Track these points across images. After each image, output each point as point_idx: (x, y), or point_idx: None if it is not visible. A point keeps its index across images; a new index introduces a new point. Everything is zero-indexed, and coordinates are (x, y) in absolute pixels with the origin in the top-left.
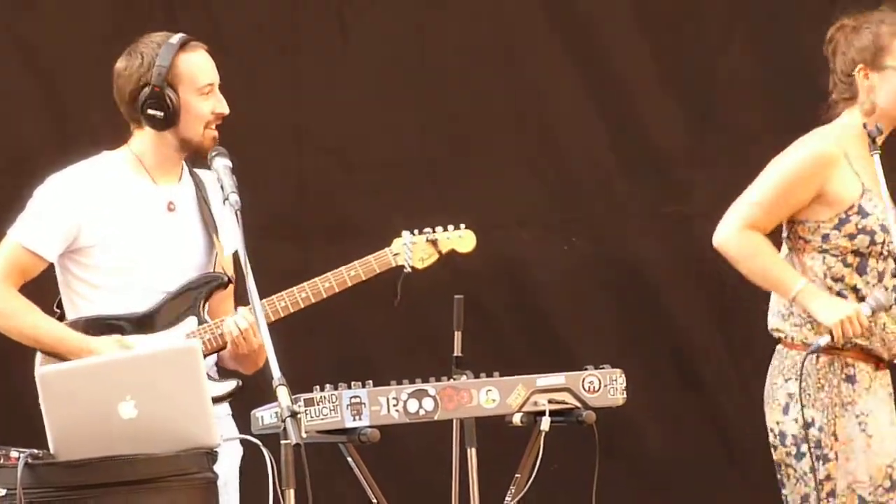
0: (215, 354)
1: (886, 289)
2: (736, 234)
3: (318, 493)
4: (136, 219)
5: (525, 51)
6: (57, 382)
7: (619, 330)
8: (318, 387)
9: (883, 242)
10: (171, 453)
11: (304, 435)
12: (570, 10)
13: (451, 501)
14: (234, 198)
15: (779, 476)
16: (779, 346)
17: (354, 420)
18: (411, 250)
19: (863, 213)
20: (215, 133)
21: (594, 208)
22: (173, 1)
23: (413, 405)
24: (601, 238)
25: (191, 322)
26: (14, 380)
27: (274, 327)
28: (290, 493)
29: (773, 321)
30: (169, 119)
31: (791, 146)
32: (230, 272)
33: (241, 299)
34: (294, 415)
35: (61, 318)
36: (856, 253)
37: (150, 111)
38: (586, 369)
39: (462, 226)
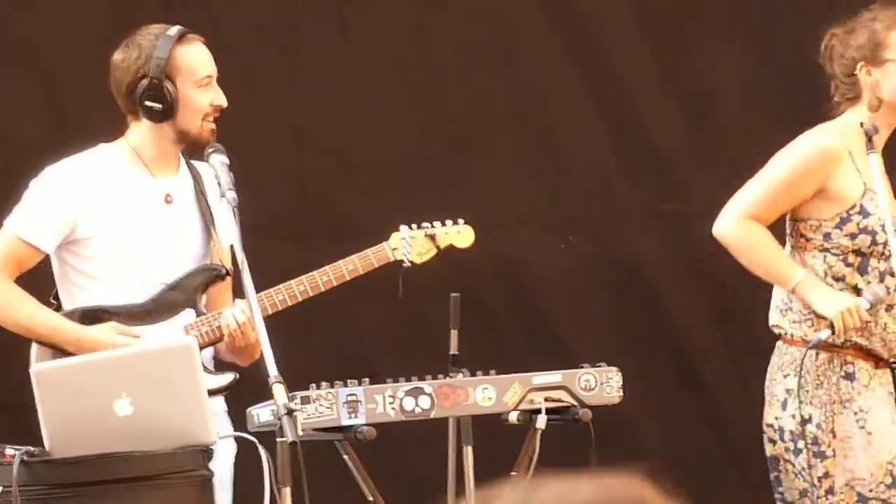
0: (212, 347)
1: (888, 289)
2: (736, 224)
3: (314, 492)
4: (133, 211)
5: (525, 51)
6: (52, 379)
7: (618, 329)
8: (314, 384)
9: (885, 243)
10: (167, 450)
11: (300, 433)
12: (569, 10)
13: (447, 499)
14: (232, 195)
15: (774, 472)
16: (778, 343)
17: (351, 418)
18: (409, 245)
19: (864, 212)
20: (213, 126)
21: (593, 207)
22: (173, 1)
23: (409, 403)
24: (600, 237)
25: (188, 314)
26: (9, 377)
27: (271, 323)
28: (287, 491)
29: (773, 317)
30: (167, 111)
31: (795, 140)
32: (228, 264)
33: (239, 292)
34: (290, 412)
35: (58, 309)
36: (857, 252)
37: (147, 103)
38: (582, 367)
39: (461, 221)
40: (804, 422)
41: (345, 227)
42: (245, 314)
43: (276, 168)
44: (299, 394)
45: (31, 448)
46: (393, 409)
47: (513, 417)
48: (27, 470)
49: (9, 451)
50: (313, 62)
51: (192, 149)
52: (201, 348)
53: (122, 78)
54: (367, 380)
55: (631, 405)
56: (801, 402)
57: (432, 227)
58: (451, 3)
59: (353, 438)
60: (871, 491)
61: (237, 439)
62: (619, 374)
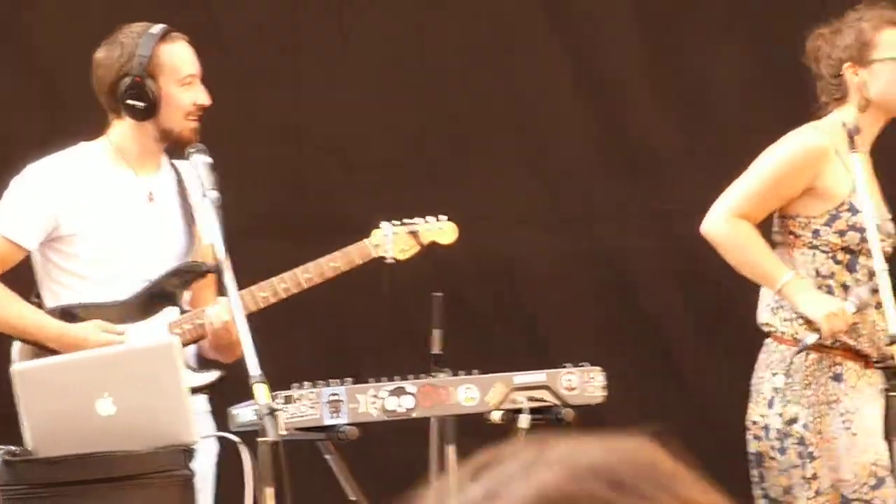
0: (195, 344)
1: (876, 287)
2: (724, 222)
3: (296, 491)
4: (116, 209)
5: (524, 50)
6: (34, 379)
7: (602, 328)
8: (297, 384)
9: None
10: (150, 450)
11: (282, 432)
12: (568, 10)
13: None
14: (214, 194)
15: (757, 468)
16: (767, 340)
17: (333, 417)
18: (392, 241)
19: (853, 209)
20: (195, 124)
21: (580, 207)
22: (173, 1)
23: (392, 402)
24: (585, 236)
25: (171, 312)
26: None
27: (253, 321)
28: (269, 491)
29: (763, 315)
30: (149, 109)
31: (784, 137)
32: (210, 261)
33: (223, 290)
34: (272, 412)
35: (40, 307)
36: (846, 250)
37: (130, 101)
38: (565, 367)
39: (444, 217)
40: (791, 421)
41: (345, 227)
42: (229, 312)
43: (275, 168)
44: (282, 393)
45: (13, 447)
46: (375, 408)
47: (495, 417)
48: (9, 469)
49: None
50: (313, 62)
51: (174, 147)
52: (184, 345)
53: (105, 76)
54: (349, 379)
55: (614, 405)
56: (787, 402)
57: (414, 223)
58: (451, 3)
59: (335, 438)
60: (854, 492)
61: (219, 439)
62: (602, 373)
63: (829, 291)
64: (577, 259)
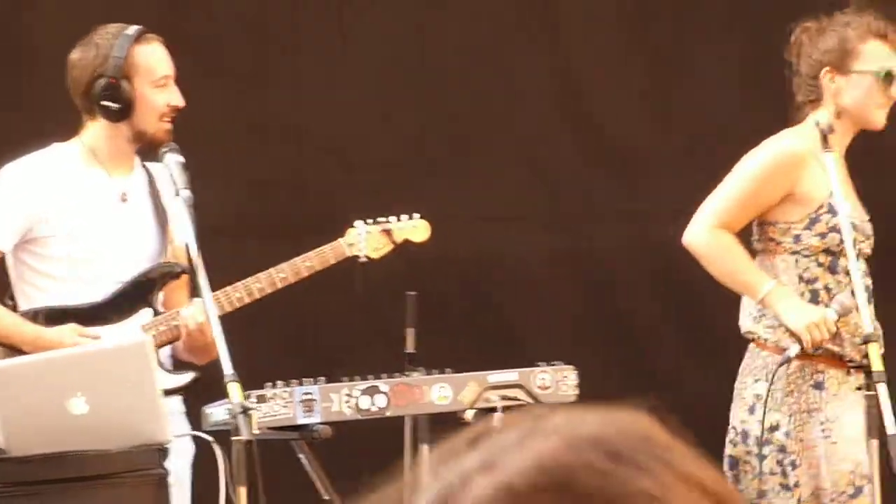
0: (169, 346)
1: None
2: (705, 233)
3: (269, 491)
4: (90, 210)
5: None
6: (6, 378)
7: (576, 327)
8: (270, 383)
9: (853, 241)
10: (122, 449)
11: (255, 431)
12: (567, 10)
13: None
14: (187, 193)
15: (732, 471)
16: (751, 346)
17: (306, 416)
18: (365, 240)
19: (833, 211)
20: (169, 125)
21: (557, 206)
22: (173, 0)
23: (365, 401)
24: (561, 235)
25: (145, 313)
26: None
27: (227, 321)
28: (242, 491)
29: (746, 324)
30: (124, 111)
31: (760, 145)
32: (183, 262)
33: (195, 291)
34: (245, 411)
35: (14, 309)
36: (827, 252)
37: (104, 102)
38: (538, 366)
39: (416, 215)
40: (772, 429)
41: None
42: (203, 313)
43: (275, 168)
44: (255, 392)
45: None
46: (349, 407)
47: (469, 416)
48: None
49: None
50: (313, 62)
51: (147, 149)
52: (159, 347)
53: (80, 77)
54: (322, 378)
55: (587, 404)
56: (769, 409)
57: (388, 222)
58: (451, 3)
59: (309, 437)
60: (832, 500)
61: (195, 439)
62: (575, 372)
63: (814, 296)
64: (553, 258)
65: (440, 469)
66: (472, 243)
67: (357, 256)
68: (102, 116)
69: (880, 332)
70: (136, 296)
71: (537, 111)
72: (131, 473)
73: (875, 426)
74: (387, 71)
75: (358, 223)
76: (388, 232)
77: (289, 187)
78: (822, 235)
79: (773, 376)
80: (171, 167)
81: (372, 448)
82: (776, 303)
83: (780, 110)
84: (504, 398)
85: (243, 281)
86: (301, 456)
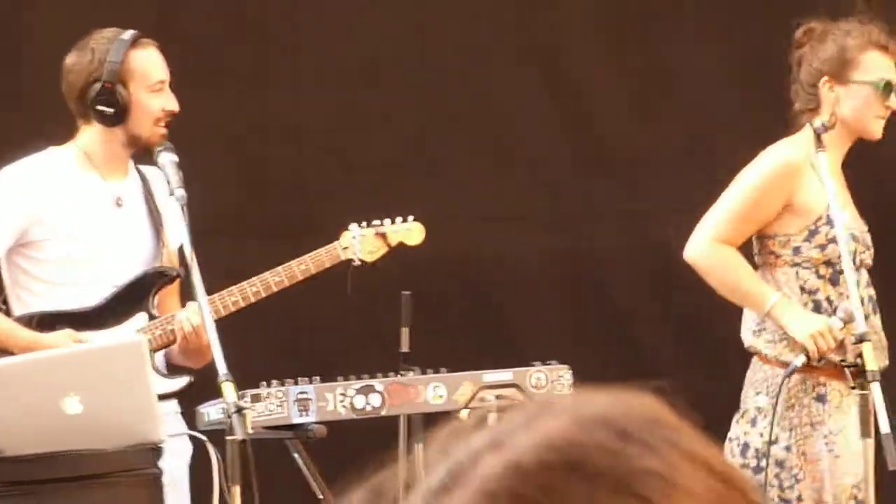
0: (164, 350)
1: (862, 299)
2: (707, 248)
3: (264, 490)
4: (85, 214)
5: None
6: (0, 378)
7: (572, 327)
8: (265, 382)
9: (854, 252)
10: (117, 449)
11: (250, 431)
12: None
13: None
14: (181, 192)
15: None
16: (754, 359)
17: (301, 416)
18: (360, 243)
19: (831, 222)
20: (164, 130)
21: (552, 205)
22: (173, 1)
23: (360, 401)
24: (557, 234)
25: (140, 318)
26: None
27: (222, 322)
28: (236, 490)
29: (747, 338)
30: (119, 115)
31: (757, 157)
32: (176, 266)
33: (188, 293)
34: (240, 410)
35: (7, 314)
36: (827, 263)
37: (99, 107)
38: (533, 365)
39: (410, 218)
40: (772, 442)
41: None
42: (199, 317)
43: (275, 168)
44: (250, 392)
45: None
46: (344, 406)
47: (464, 415)
48: None
49: None
50: (313, 62)
51: (142, 153)
52: (154, 351)
53: (75, 81)
54: (318, 378)
55: None
56: (770, 423)
57: (382, 224)
58: (451, 3)
59: (303, 436)
60: None
61: (191, 439)
62: (570, 371)
63: (817, 306)
64: (553, 258)
65: (448, 447)
66: (471, 243)
67: (351, 260)
68: (97, 121)
69: (885, 343)
70: (130, 300)
71: (537, 111)
72: (125, 473)
73: (867, 426)
74: (387, 71)
75: (352, 226)
76: (382, 235)
77: (288, 187)
78: (822, 247)
79: (780, 389)
80: (165, 166)
81: (366, 448)
82: (782, 315)
83: (779, 110)
84: (499, 398)
85: (238, 285)
86: (295, 455)
